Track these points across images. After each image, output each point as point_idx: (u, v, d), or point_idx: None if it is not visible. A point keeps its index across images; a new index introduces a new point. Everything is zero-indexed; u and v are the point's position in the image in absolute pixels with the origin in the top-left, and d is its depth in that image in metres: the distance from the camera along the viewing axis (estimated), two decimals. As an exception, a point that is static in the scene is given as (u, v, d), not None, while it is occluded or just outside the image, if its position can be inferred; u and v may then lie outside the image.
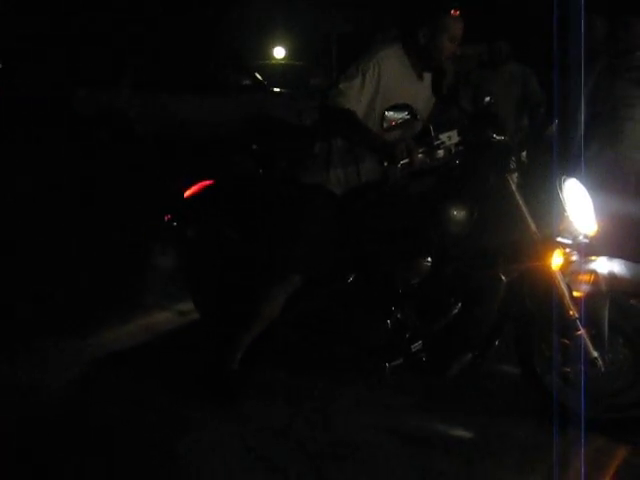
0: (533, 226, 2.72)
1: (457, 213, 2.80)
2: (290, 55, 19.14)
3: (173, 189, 3.91)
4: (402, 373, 3.00)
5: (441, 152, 2.74)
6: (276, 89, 12.21)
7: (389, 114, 2.73)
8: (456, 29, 2.92)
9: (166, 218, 3.66)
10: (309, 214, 3.09)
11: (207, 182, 3.69)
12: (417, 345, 2.90)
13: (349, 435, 2.85)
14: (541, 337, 2.85)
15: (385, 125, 2.74)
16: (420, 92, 3.10)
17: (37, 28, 14.92)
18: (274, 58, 18.77)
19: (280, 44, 19.49)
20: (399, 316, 2.99)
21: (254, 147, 11.27)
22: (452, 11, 2.88)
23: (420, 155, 2.68)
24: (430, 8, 2.95)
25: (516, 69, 5.91)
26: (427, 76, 3.16)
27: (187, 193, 3.70)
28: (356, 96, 2.86)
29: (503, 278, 2.77)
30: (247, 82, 11.58)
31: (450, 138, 2.74)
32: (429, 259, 2.90)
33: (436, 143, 2.71)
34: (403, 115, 2.74)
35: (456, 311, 2.88)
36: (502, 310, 2.82)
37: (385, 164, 2.69)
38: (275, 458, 2.68)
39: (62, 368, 3.35)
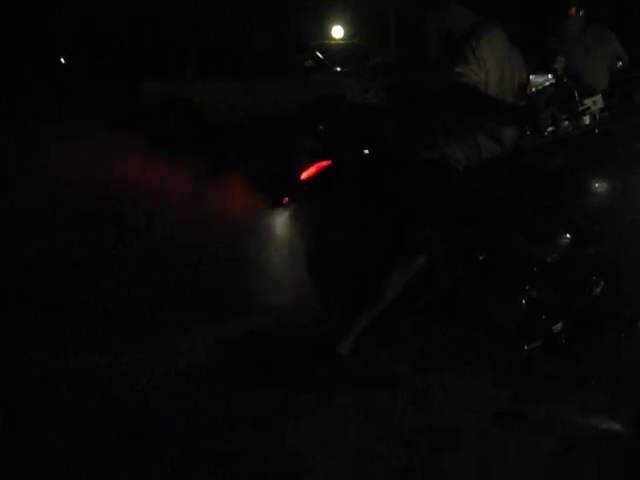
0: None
1: (600, 186, 2.65)
2: (348, 34, 18.95)
3: (278, 172, 3.86)
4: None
5: (587, 118, 2.59)
6: (337, 69, 12.09)
7: (533, 78, 2.60)
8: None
9: (284, 201, 3.61)
10: (432, 191, 2.98)
11: (323, 163, 3.62)
12: (558, 326, 2.77)
13: (450, 420, 2.72)
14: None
15: (530, 90, 2.61)
16: (523, 67, 2.97)
17: (100, 24, 15.14)
18: (332, 38, 18.60)
19: (338, 23, 19.29)
20: (534, 295, 2.87)
21: (320, 128, 11.14)
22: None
23: (565, 122, 2.54)
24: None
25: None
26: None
27: (304, 175, 3.64)
28: (477, 74, 2.75)
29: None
30: (310, 63, 11.47)
31: (595, 103, 2.59)
32: (568, 236, 2.76)
33: (581, 109, 2.56)
34: (546, 78, 2.61)
35: (599, 290, 2.74)
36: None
37: (528, 132, 2.56)
38: (377, 446, 2.57)
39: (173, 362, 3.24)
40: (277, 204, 3.68)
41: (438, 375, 3.05)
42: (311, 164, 3.68)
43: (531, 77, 2.61)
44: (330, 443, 2.57)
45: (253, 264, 3.60)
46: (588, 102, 2.57)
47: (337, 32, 19.25)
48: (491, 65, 2.78)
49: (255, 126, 10.64)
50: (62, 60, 16.52)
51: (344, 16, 19.25)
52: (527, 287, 2.87)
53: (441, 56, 3.56)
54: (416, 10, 4.78)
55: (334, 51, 14.88)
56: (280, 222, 3.70)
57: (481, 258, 3.00)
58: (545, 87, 2.63)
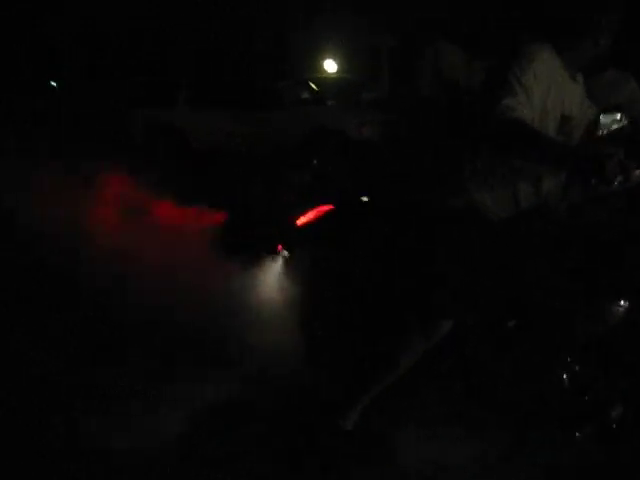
0: None
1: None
2: (341, 68, 18.74)
3: (270, 215, 3.44)
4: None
5: None
6: (332, 102, 11.80)
7: (603, 118, 2.19)
8: None
9: (278, 248, 3.17)
10: (461, 244, 2.55)
11: (323, 208, 3.20)
12: (617, 410, 2.33)
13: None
14: None
15: (600, 132, 2.19)
16: (575, 95, 2.56)
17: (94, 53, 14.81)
18: (325, 71, 18.38)
19: (330, 57, 19.10)
20: (578, 371, 2.44)
21: (314, 162, 10.66)
22: None
23: (637, 171, 2.13)
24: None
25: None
26: (579, 78, 2.61)
27: (301, 220, 3.21)
28: (525, 107, 2.33)
29: None
30: (305, 95, 11.16)
31: None
32: (622, 303, 2.34)
33: None
34: (614, 118, 2.20)
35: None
36: None
37: (593, 182, 2.14)
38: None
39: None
40: (269, 251, 3.23)
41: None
42: (309, 209, 3.26)
43: (601, 117, 2.19)
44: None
45: (244, 320, 3.14)
46: None
47: (330, 66, 19.05)
48: (537, 96, 2.38)
49: (247, 159, 10.31)
50: (52, 83, 16.17)
51: (337, 50, 19.08)
52: (569, 360, 2.44)
53: (434, 93, 3.20)
54: (410, 46, 4.43)
55: (327, 84, 14.60)
56: (273, 272, 3.24)
57: (511, 324, 2.58)
58: (614, 129, 2.22)
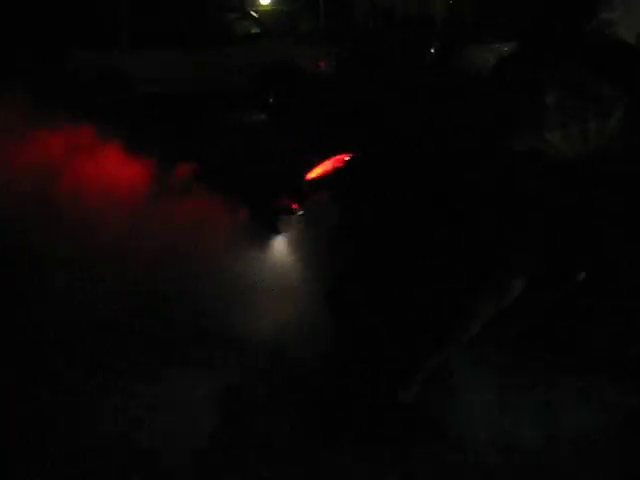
0: None
1: None
2: (275, 1, 17.90)
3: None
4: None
5: None
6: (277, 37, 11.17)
7: None
8: None
9: (293, 206, 2.79)
10: (528, 193, 2.23)
11: (338, 158, 2.81)
12: None
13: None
14: None
15: None
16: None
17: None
18: (260, 4, 17.51)
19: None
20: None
21: (271, 100, 10.10)
22: None
23: None
24: None
25: None
26: None
27: (311, 175, 2.83)
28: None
29: None
30: (255, 30, 10.50)
31: None
32: None
33: None
34: None
35: None
36: None
37: None
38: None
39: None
40: (285, 212, 2.85)
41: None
42: (320, 161, 2.87)
43: None
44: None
45: (269, 295, 2.79)
46: None
47: (263, -1, 18.17)
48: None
49: (200, 101, 9.69)
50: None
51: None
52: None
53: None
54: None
55: (263, 18, 13.90)
56: (291, 236, 2.86)
57: (581, 278, 2.31)
58: None
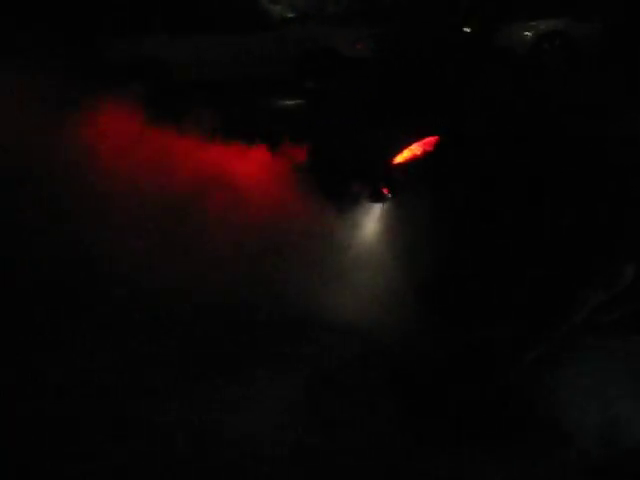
0: None
1: None
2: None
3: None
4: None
5: None
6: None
7: None
8: None
9: (384, 191, 2.75)
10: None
11: (429, 141, 2.76)
12: None
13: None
14: None
15: None
16: None
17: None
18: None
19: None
20: None
21: (309, 84, 9.98)
22: None
23: None
24: None
25: None
26: None
27: (400, 158, 2.78)
28: None
29: None
30: (291, 14, 10.41)
31: None
32: None
33: None
34: None
35: None
36: None
37: None
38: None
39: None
40: (377, 197, 2.81)
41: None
42: (404, 146, 2.83)
43: None
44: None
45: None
46: None
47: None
48: None
49: (236, 87, 9.63)
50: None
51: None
52: None
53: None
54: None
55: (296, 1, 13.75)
56: (385, 221, 2.82)
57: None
58: None
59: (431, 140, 2.78)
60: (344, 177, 3.02)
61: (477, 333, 2.49)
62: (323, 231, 2.93)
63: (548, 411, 2.32)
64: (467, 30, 11.72)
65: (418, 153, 2.77)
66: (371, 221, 2.87)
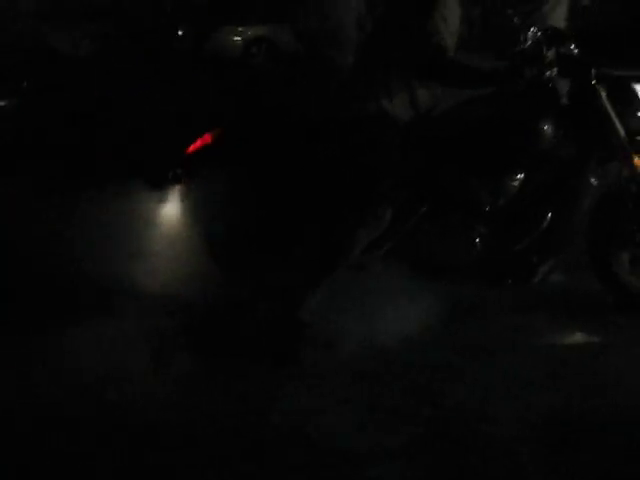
0: (622, 132, 2.94)
1: (548, 127, 2.92)
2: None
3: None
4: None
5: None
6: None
7: None
8: None
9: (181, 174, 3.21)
10: (373, 152, 2.94)
11: (216, 132, 3.26)
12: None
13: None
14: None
15: None
16: None
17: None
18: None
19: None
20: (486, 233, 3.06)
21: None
22: None
23: None
24: None
25: None
26: None
27: (192, 147, 3.26)
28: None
29: (594, 182, 2.98)
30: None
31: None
32: (517, 178, 2.99)
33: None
34: None
35: (546, 222, 3.03)
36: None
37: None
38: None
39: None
40: (175, 180, 3.23)
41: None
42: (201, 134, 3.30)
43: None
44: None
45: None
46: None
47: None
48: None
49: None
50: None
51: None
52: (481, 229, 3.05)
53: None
54: None
55: None
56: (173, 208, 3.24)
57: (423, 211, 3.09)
58: None
59: (217, 131, 3.28)
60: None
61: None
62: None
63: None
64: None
65: (208, 141, 3.26)
66: (173, 200, 3.28)
